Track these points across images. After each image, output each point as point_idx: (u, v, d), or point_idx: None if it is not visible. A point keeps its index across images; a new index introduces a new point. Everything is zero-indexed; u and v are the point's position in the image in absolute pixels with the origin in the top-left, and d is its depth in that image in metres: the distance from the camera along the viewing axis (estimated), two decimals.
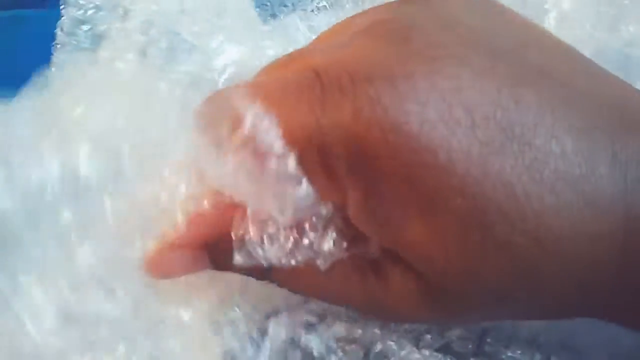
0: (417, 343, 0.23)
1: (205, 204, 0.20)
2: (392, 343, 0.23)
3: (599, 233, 0.17)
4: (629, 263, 0.17)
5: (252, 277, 0.21)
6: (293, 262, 0.19)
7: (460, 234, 0.17)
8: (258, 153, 0.17)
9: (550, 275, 0.17)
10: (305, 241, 0.19)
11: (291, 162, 0.17)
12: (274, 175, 0.17)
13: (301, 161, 0.17)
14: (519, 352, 0.22)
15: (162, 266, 0.21)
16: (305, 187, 0.18)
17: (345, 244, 0.19)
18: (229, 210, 0.20)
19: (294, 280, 0.21)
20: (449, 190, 0.16)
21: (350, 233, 0.19)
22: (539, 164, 0.16)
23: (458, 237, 0.17)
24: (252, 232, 0.19)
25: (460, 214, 0.16)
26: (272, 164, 0.17)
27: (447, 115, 0.16)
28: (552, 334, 0.23)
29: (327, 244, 0.19)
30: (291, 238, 0.19)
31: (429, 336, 0.23)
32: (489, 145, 0.16)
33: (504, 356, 0.22)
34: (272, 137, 0.17)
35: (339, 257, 0.19)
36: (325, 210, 0.19)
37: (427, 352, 0.23)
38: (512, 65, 0.17)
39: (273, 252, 0.19)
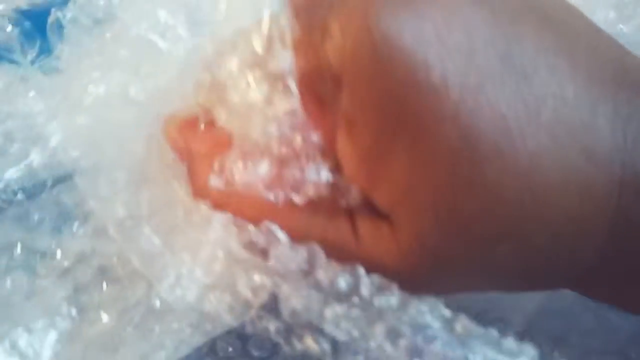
0: None
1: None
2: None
3: (593, 188, 0.15)
4: (621, 226, 0.16)
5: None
6: (270, 195, 0.18)
7: (448, 166, 0.15)
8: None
9: (539, 226, 0.16)
10: (288, 170, 0.18)
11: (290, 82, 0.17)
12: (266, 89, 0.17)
13: (298, 85, 0.17)
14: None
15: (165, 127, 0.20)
16: (292, 105, 0.17)
17: (328, 176, 0.18)
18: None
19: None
20: (440, 115, 0.15)
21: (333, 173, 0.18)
22: (538, 103, 0.15)
23: (445, 169, 0.15)
24: (234, 154, 0.19)
25: (450, 143, 0.15)
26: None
27: (445, 35, 0.15)
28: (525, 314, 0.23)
29: (310, 176, 0.18)
30: (270, 164, 0.18)
31: None
32: (487, 74, 0.15)
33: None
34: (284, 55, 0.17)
35: (317, 195, 0.18)
36: (315, 137, 0.18)
37: None
38: (517, 6, 0.16)
39: (252, 177, 0.18)
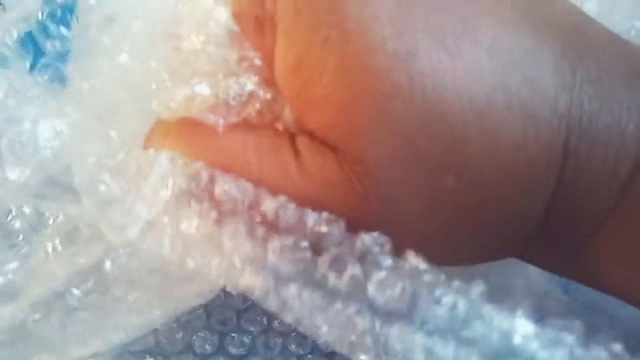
0: None
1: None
2: None
3: (538, 119, 0.15)
4: (569, 175, 0.16)
5: None
6: (212, 115, 0.18)
7: (385, 80, 0.15)
8: None
9: (484, 151, 0.15)
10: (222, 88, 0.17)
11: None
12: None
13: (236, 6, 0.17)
14: None
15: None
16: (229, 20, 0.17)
17: (255, 88, 0.17)
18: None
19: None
20: (376, 27, 0.15)
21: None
22: (477, 22, 0.15)
23: (381, 83, 0.15)
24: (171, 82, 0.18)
25: (387, 56, 0.15)
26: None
27: None
28: None
29: (239, 89, 0.17)
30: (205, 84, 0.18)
31: None
32: None
33: None
34: None
35: (247, 111, 0.18)
36: (252, 53, 0.17)
37: None
38: None
39: (191, 99, 0.18)
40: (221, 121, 0.17)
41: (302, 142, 0.17)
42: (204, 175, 0.16)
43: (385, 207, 0.16)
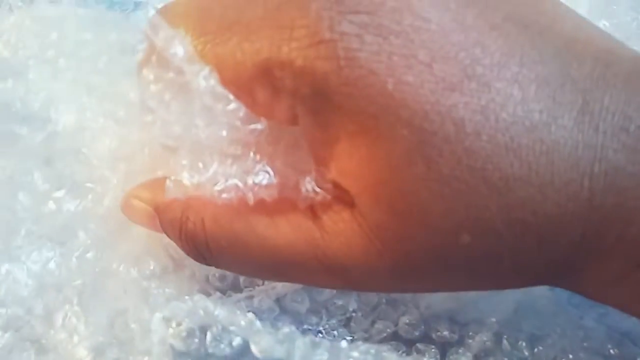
0: (369, 330, 0.24)
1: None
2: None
3: (558, 182, 0.16)
4: (595, 223, 0.16)
5: (191, 256, 0.21)
6: (224, 194, 0.20)
7: (405, 163, 0.16)
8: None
9: (500, 214, 0.16)
10: (235, 167, 0.19)
11: (212, 80, 0.18)
12: (198, 95, 0.18)
13: (235, 81, 0.18)
14: (470, 333, 0.23)
15: (125, 208, 0.22)
16: (233, 102, 0.18)
17: (272, 178, 0.19)
18: None
19: (231, 251, 0.20)
20: (396, 120, 0.16)
21: (285, 166, 0.20)
22: (496, 106, 0.16)
23: (402, 167, 0.16)
24: (185, 160, 0.20)
25: (406, 145, 0.16)
26: (193, 83, 0.18)
27: (405, 50, 0.16)
28: (510, 319, 0.23)
29: (258, 174, 0.19)
30: (217, 165, 0.19)
31: (381, 325, 0.24)
32: (445, 81, 0.16)
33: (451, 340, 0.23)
34: (182, 55, 0.18)
35: (270, 193, 0.19)
36: (260, 126, 0.19)
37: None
38: (488, 12, 0.17)
39: (203, 180, 0.19)
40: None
41: (322, 205, 0.19)
42: None
43: (401, 267, 0.18)
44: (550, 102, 0.16)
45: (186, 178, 0.20)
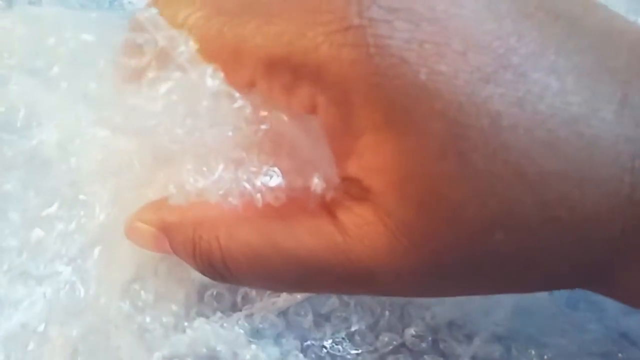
0: (374, 343, 0.24)
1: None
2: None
3: (597, 177, 0.15)
4: (636, 217, 0.16)
5: (208, 276, 0.20)
6: (230, 198, 0.19)
7: (437, 158, 0.16)
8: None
9: (536, 211, 0.16)
10: (241, 170, 0.19)
11: (218, 79, 0.17)
12: (203, 95, 0.18)
13: (253, 65, 0.17)
14: (478, 343, 0.23)
15: (129, 233, 0.21)
16: (239, 100, 0.18)
17: (280, 180, 0.19)
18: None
19: (251, 267, 0.19)
20: (429, 113, 0.15)
21: (296, 164, 0.19)
22: (533, 98, 0.15)
23: (434, 161, 0.16)
24: (190, 165, 0.19)
25: (438, 139, 0.15)
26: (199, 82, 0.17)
27: (438, 38, 0.15)
28: (511, 324, 0.23)
29: (266, 176, 0.19)
30: (222, 168, 0.19)
31: (386, 337, 0.24)
32: (480, 71, 0.15)
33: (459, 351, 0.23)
34: (187, 54, 0.17)
35: (279, 194, 0.19)
36: (265, 126, 0.18)
37: None
38: (522, 1, 0.16)
39: (209, 184, 0.19)
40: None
41: (341, 207, 0.18)
42: None
43: (430, 269, 0.17)
44: (589, 93, 0.16)
45: (191, 183, 0.19)
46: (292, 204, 0.19)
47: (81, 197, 0.22)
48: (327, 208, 0.18)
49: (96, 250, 0.22)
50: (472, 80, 0.15)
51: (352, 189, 0.18)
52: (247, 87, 0.18)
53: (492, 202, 0.16)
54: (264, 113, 0.19)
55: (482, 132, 0.15)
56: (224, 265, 0.19)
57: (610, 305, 0.24)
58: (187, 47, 0.18)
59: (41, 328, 0.21)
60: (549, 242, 0.16)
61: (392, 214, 0.16)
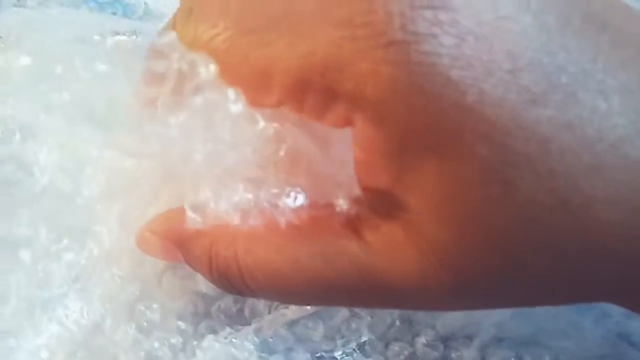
0: (385, 352, 0.24)
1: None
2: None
3: (631, 201, 0.15)
4: None
5: (224, 289, 0.20)
6: (251, 219, 0.19)
7: (480, 183, 0.15)
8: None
9: (578, 238, 0.15)
10: (265, 192, 0.18)
11: (240, 102, 0.17)
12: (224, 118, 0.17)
13: (284, 84, 0.16)
14: (490, 351, 0.23)
15: (141, 243, 0.21)
16: (262, 122, 0.17)
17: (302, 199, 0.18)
18: None
19: (272, 284, 0.18)
20: (475, 136, 0.15)
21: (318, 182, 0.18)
22: (582, 121, 0.15)
23: (475, 186, 0.15)
24: (207, 186, 0.18)
25: (483, 164, 0.15)
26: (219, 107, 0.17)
27: (485, 55, 0.15)
28: (519, 330, 0.24)
29: (288, 196, 0.18)
30: (243, 188, 0.18)
31: (397, 347, 0.24)
32: (529, 92, 0.15)
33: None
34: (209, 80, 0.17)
35: (301, 214, 0.18)
36: (285, 144, 0.18)
37: None
38: (568, 12, 0.16)
39: (227, 205, 0.18)
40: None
41: (367, 225, 0.17)
42: None
43: (461, 288, 0.16)
44: (634, 114, 0.15)
45: (210, 206, 0.19)
46: (313, 221, 0.18)
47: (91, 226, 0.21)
48: (352, 226, 0.18)
49: (101, 272, 0.21)
50: (521, 102, 0.15)
51: (379, 204, 0.17)
52: (274, 107, 0.17)
53: (532, 229, 0.15)
54: (283, 131, 0.18)
55: (529, 158, 0.15)
56: (242, 282, 0.19)
57: (613, 308, 0.25)
58: (207, 70, 0.17)
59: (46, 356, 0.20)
60: (586, 267, 0.16)
61: (425, 234, 0.16)
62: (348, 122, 0.16)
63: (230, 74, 0.17)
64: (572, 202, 0.15)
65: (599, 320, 0.25)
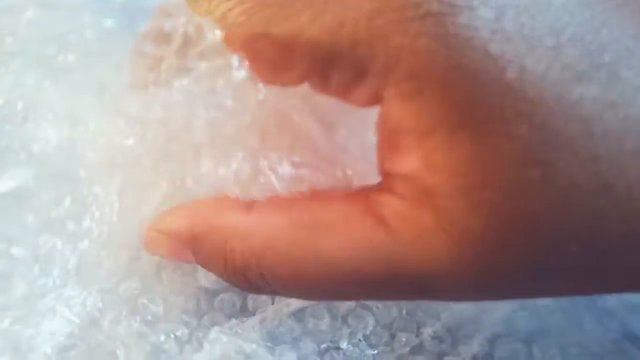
0: (391, 343, 0.24)
1: None
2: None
3: None
4: None
5: (240, 287, 0.19)
6: (256, 190, 0.18)
7: (518, 165, 0.14)
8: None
9: (617, 223, 0.15)
10: (264, 160, 0.18)
11: (242, 69, 0.16)
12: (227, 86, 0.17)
13: (307, 60, 0.15)
14: (497, 344, 0.23)
15: (148, 244, 0.20)
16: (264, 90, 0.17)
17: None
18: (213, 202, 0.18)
19: (294, 280, 0.17)
20: (514, 115, 0.14)
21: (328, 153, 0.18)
22: (625, 101, 0.14)
23: (514, 168, 0.14)
24: (208, 155, 0.18)
25: (522, 144, 0.14)
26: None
27: (527, 29, 0.14)
28: (526, 325, 0.24)
29: (288, 166, 0.18)
30: (242, 157, 0.18)
31: (403, 338, 0.23)
32: (572, 70, 0.14)
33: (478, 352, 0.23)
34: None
35: (301, 185, 0.18)
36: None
37: None
38: None
39: (229, 174, 0.18)
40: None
41: (388, 212, 0.16)
42: None
43: (492, 272, 0.16)
44: None
45: (209, 171, 0.18)
46: (333, 211, 0.17)
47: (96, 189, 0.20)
48: (375, 214, 0.17)
49: (101, 263, 0.20)
50: (563, 80, 0.14)
51: (404, 190, 0.16)
52: (294, 85, 0.16)
53: (572, 215, 0.15)
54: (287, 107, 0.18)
55: (571, 139, 0.14)
56: (262, 279, 0.18)
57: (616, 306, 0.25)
58: (213, 35, 0.16)
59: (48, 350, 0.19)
60: (627, 253, 0.15)
61: (457, 220, 0.15)
62: (376, 100, 0.16)
63: (247, 50, 0.16)
64: (616, 187, 0.14)
65: (599, 318, 0.24)
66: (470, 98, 0.14)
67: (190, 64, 0.17)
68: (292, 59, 0.15)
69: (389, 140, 0.16)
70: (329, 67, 0.15)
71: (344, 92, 0.16)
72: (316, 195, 0.18)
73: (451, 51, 0.14)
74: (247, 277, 0.18)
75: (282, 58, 0.16)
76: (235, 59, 0.16)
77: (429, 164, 0.15)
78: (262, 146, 0.18)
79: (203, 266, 0.19)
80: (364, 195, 0.17)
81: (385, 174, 0.17)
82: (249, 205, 0.18)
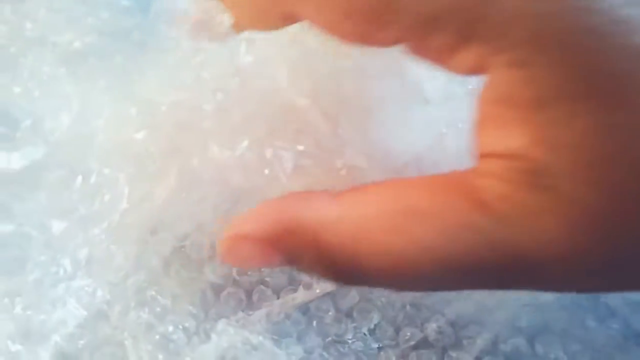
0: (395, 337, 0.24)
1: None
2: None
3: None
4: None
5: (338, 282, 0.18)
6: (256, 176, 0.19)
7: None
8: None
9: None
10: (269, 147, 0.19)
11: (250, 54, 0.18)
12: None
13: (407, 27, 0.14)
14: (500, 338, 0.23)
15: (228, 254, 0.18)
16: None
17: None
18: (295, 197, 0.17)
19: (393, 270, 0.16)
20: None
21: None
22: None
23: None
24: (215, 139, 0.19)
25: None
26: None
27: None
28: (530, 320, 0.24)
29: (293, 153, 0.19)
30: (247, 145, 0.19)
31: (408, 332, 0.24)
32: None
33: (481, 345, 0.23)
34: None
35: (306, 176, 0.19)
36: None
37: None
38: None
39: (236, 154, 0.19)
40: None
41: (492, 195, 0.15)
42: None
43: (615, 258, 0.14)
44: None
45: (214, 152, 0.19)
46: (425, 197, 0.16)
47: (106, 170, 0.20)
48: (472, 197, 0.15)
49: (110, 255, 0.20)
50: None
51: (505, 169, 0.15)
52: (387, 46, 0.15)
53: None
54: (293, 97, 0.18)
55: None
56: (358, 270, 0.16)
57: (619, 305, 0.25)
58: (223, 18, 0.17)
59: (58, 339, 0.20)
60: None
61: (576, 201, 0.14)
62: (479, 68, 0.14)
63: (335, 5, 0.15)
64: None
65: (604, 318, 0.25)
66: (593, 65, 0.13)
67: (202, 45, 0.17)
68: (389, 17, 0.14)
69: (493, 114, 0.15)
70: (430, 29, 0.14)
71: (444, 57, 0.15)
72: (402, 183, 0.17)
73: (572, 14, 0.13)
74: (341, 269, 0.17)
75: (377, 16, 0.14)
76: (243, 44, 0.17)
77: (541, 138, 0.14)
78: (268, 132, 0.18)
79: (293, 264, 0.18)
80: (455, 180, 0.16)
81: (482, 155, 0.16)
82: (336, 196, 0.17)
